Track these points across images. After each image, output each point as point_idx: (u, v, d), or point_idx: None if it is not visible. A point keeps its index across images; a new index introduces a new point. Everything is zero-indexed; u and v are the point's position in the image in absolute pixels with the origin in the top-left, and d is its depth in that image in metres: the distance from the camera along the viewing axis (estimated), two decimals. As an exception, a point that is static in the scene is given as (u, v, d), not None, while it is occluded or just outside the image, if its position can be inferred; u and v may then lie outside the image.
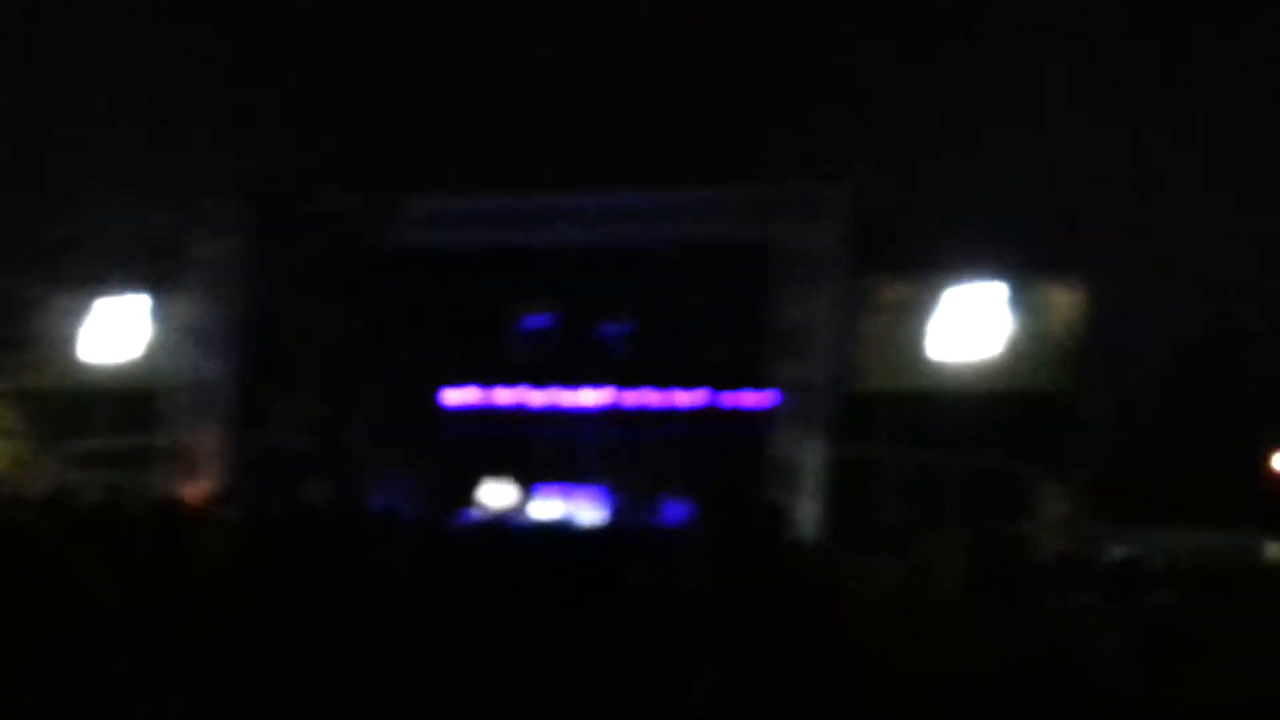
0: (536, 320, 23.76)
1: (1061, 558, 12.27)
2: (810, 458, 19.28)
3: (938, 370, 20.89)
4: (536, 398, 25.81)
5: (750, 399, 23.67)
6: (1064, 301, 20.68)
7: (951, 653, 5.03)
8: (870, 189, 19.51)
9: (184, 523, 7.79)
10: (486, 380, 26.07)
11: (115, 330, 23.74)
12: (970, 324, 20.74)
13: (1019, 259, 20.41)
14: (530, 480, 24.02)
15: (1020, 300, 20.77)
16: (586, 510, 22.88)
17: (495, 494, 23.62)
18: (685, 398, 25.15)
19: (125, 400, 22.94)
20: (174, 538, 6.82)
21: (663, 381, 25.14)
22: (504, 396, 26.00)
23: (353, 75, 17.67)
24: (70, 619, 1.87)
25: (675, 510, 21.09)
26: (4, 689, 1.79)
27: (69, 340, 23.99)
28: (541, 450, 25.18)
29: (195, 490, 18.70)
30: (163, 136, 18.90)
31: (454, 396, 26.36)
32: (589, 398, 25.56)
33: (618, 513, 22.50)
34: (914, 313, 21.11)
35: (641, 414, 25.37)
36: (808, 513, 18.11)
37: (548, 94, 18.23)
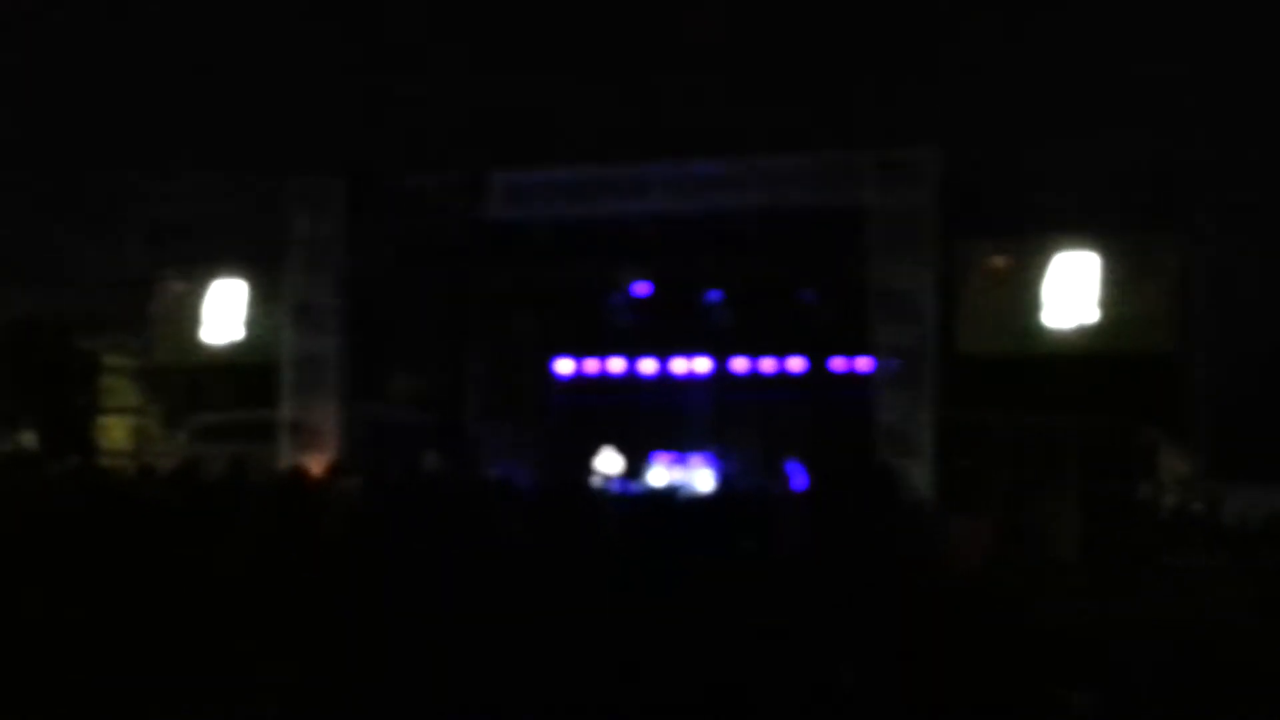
0: (637, 290, 23.82)
1: (1180, 518, 12.08)
2: (918, 422, 19.12)
3: (1046, 333, 20.61)
4: (644, 366, 25.91)
5: (854, 364, 23.56)
6: (1170, 260, 20.28)
7: (1073, 613, 4.99)
8: (966, 151, 19.25)
9: (306, 493, 7.96)
10: (593, 350, 26.22)
11: (229, 307, 24.22)
12: (1074, 286, 20.43)
13: (1122, 218, 20.05)
14: (641, 448, 24.12)
15: (1125, 260, 20.41)
16: (697, 477, 22.96)
17: (607, 462, 23.76)
18: (791, 364, 25.11)
19: (243, 375, 23.41)
20: (297, 507, 6.96)
21: (766, 349, 25.11)
22: (613, 365, 26.13)
23: (440, 51, 17.78)
24: (203, 584, 1.95)
25: (788, 476, 21.07)
26: (142, 651, 1.87)
27: (187, 319, 24.53)
28: (651, 418, 25.29)
29: (315, 461, 19.04)
30: (260, 118, 19.20)
31: (564, 366, 26.55)
32: (696, 365, 25.61)
33: (729, 479, 22.54)
34: (1016, 276, 20.84)
35: (750, 380, 25.37)
36: (918, 477, 17.97)
37: (639, 62, 18.19)
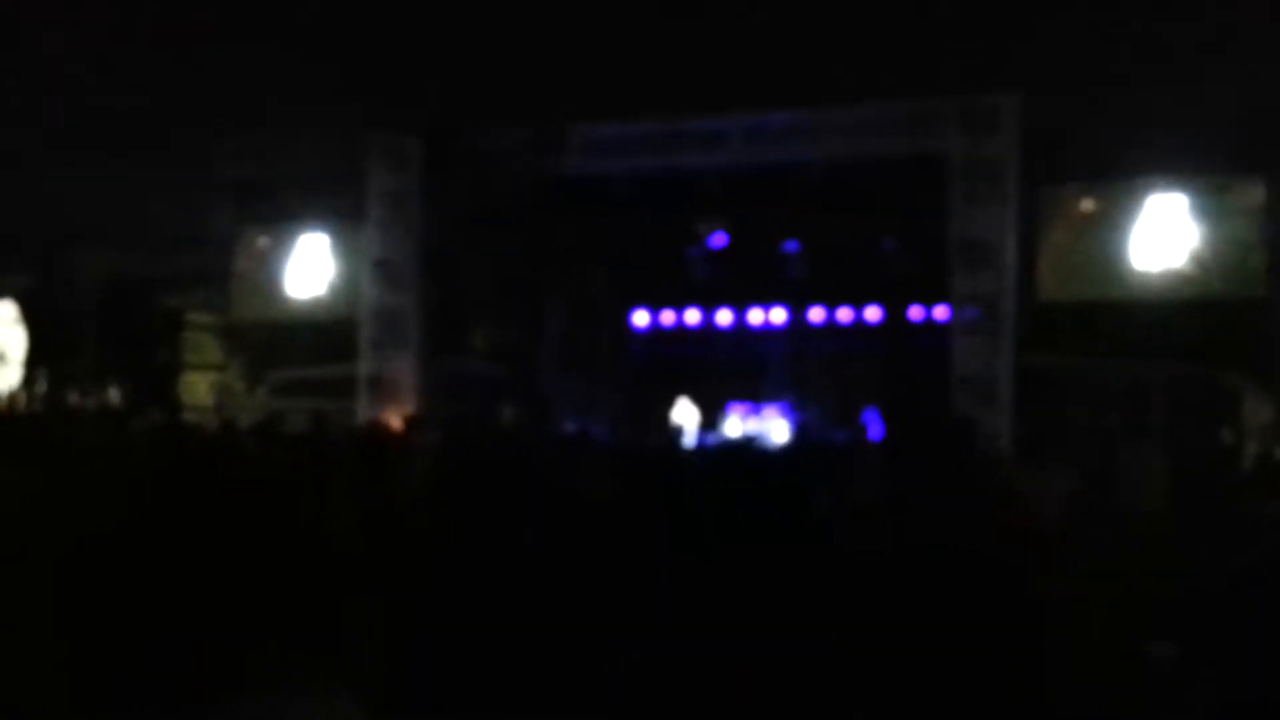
0: (713, 241, 23.79)
1: (1267, 465, 11.89)
2: (999, 371, 18.96)
3: (1129, 279, 20.35)
4: (721, 318, 25.88)
5: (932, 313, 23.39)
6: (1258, 204, 19.92)
7: (1157, 564, 4.95)
8: (1047, 97, 18.96)
9: (386, 446, 8.05)
10: (669, 303, 26.24)
11: (309, 264, 24.51)
12: (1160, 231, 20.13)
13: (1208, 162, 19.70)
14: (717, 400, 24.17)
15: (1212, 205, 20.07)
16: (775, 427, 22.96)
17: (684, 414, 23.82)
18: (868, 313, 24.97)
19: (323, 331, 23.71)
20: (378, 461, 7.05)
21: (843, 299, 25.00)
22: (689, 317, 26.13)
23: (509, 7, 17.73)
24: (292, 538, 1.97)
25: (865, 426, 21.03)
26: (238, 609, 1.89)
27: (267, 275, 24.86)
28: (727, 370, 25.31)
29: (394, 415, 19.25)
30: (340, 75, 19.30)
31: (640, 319, 26.60)
32: (772, 316, 25.55)
33: (805, 430, 22.53)
34: (1101, 222, 20.57)
35: (826, 330, 25.28)
36: (999, 426, 17.84)
37: (710, 13, 18.01)
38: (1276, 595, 4.09)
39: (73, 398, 23.34)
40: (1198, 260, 19.96)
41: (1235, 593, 4.16)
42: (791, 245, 23.90)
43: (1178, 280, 20.04)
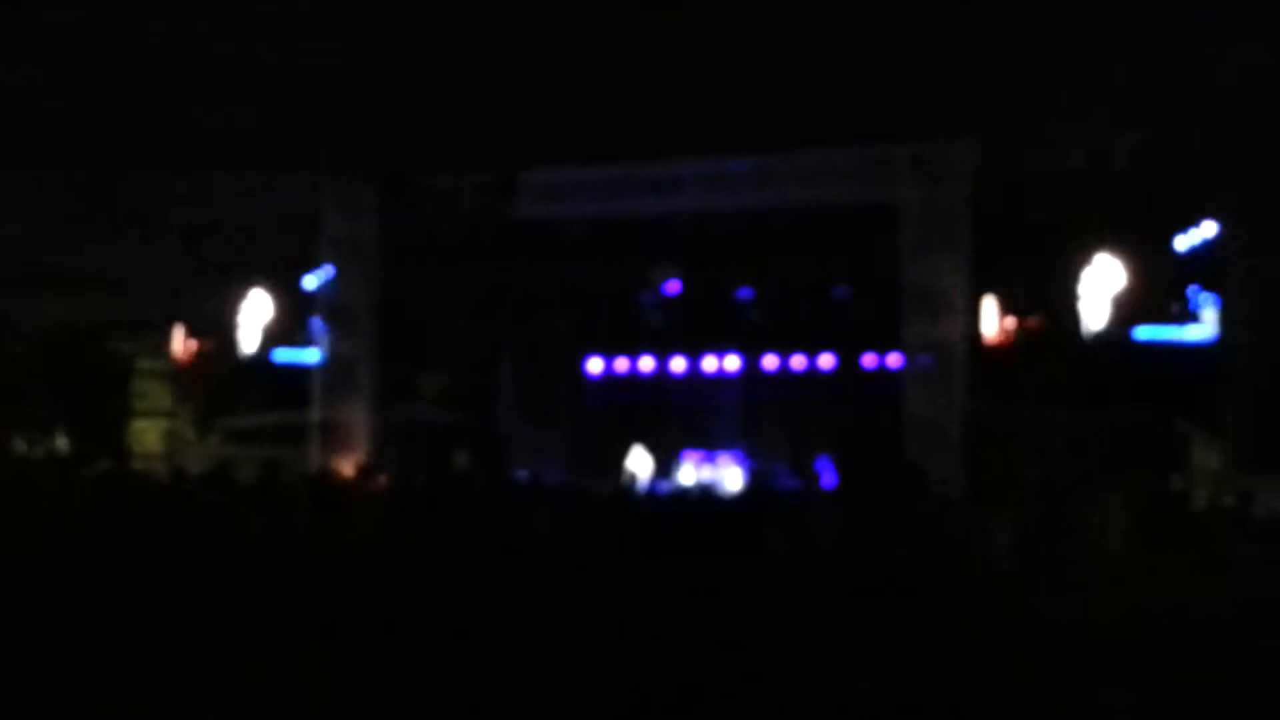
0: (668, 288, 23.81)
1: (1217, 511, 11.98)
2: (950, 418, 19.04)
3: (1081, 327, 20.52)
4: (675, 364, 25.87)
5: (885, 360, 23.47)
6: (1205, 255, 20.19)
7: (1119, 607, 4.95)
8: (998, 147, 19.16)
9: (337, 493, 7.98)
10: (624, 349, 26.19)
11: (262, 310, 24.34)
12: (1111, 280, 20.34)
13: (1154, 210, 19.97)
14: (671, 447, 24.09)
15: (1161, 254, 20.32)
16: (727, 475, 22.91)
17: (637, 461, 23.74)
18: (821, 360, 25.03)
19: (275, 377, 23.52)
20: (329, 507, 6.98)
21: (797, 346, 25.04)
22: (643, 364, 26.10)
23: (466, 51, 17.77)
24: (237, 581, 1.94)
25: (818, 473, 21.02)
26: (176, 647, 1.86)
27: (218, 321, 24.66)
28: (681, 417, 25.25)
29: (346, 463, 19.10)
30: (290, 119, 19.27)
31: (594, 365, 26.54)
32: (726, 363, 25.56)
33: (759, 477, 22.49)
34: (1051, 269, 20.76)
35: (780, 377, 25.29)
36: (950, 473, 17.89)
37: (667, 62, 18.13)
38: (1241, 635, 4.10)
39: (19, 445, 23.01)
40: (1145, 310, 20.18)
41: (1203, 633, 4.16)
42: (746, 292, 23.94)
43: (1125, 330, 20.24)
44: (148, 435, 24.33)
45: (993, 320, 20.94)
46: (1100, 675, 4.79)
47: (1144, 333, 20.28)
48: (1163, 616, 4.41)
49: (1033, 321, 21.00)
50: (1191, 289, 20.33)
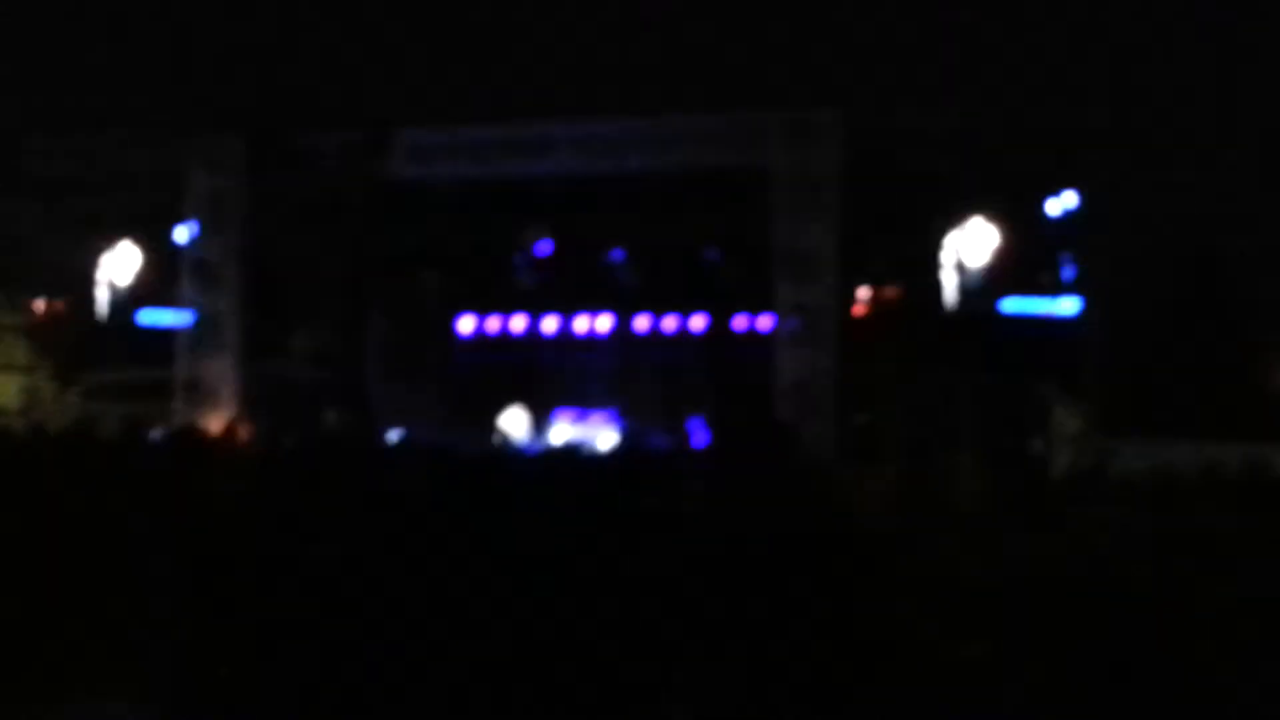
0: (539, 248, 23.77)
1: (1075, 472, 12.33)
2: (820, 380, 19.33)
3: (945, 290, 20.90)
4: (546, 324, 25.83)
5: (756, 322, 23.70)
6: (1065, 222, 20.69)
7: (977, 566, 5.08)
8: (867, 113, 19.44)
9: (200, 452, 7.86)
10: (495, 309, 26.09)
11: (125, 265, 23.81)
12: (975, 243, 20.74)
13: (1020, 176, 20.41)
14: (544, 406, 24.09)
15: (1023, 217, 20.77)
16: (599, 435, 22.98)
17: (510, 421, 23.70)
18: (693, 322, 25.17)
19: (140, 333, 23.05)
20: (191, 467, 6.87)
21: (668, 307, 25.16)
22: (515, 324, 26.01)
23: (336, 8, 17.54)
24: (95, 544, 1.92)
25: (690, 433, 21.18)
26: (31, 613, 1.84)
27: (80, 276, 24.07)
28: (554, 376, 25.25)
29: (210, 421, 18.79)
30: (158, 74, 18.85)
31: (465, 325, 26.39)
32: (598, 324, 25.59)
33: (630, 436, 22.59)
34: (914, 234, 21.11)
35: (652, 338, 25.40)
36: (819, 433, 18.17)
37: (540, 22, 18.08)
38: (1094, 594, 4.23)
39: None
40: (1012, 271, 20.61)
41: (1057, 592, 4.29)
42: (618, 253, 23.98)
43: (992, 291, 20.66)
44: (5, 390, 23.68)
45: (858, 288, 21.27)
46: (957, 630, 4.92)
47: (1011, 305, 20.73)
48: (1016, 575, 4.55)
49: (891, 291, 21.34)
50: (1063, 256, 20.82)
